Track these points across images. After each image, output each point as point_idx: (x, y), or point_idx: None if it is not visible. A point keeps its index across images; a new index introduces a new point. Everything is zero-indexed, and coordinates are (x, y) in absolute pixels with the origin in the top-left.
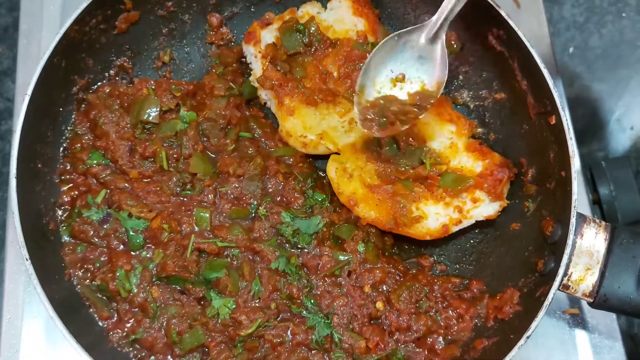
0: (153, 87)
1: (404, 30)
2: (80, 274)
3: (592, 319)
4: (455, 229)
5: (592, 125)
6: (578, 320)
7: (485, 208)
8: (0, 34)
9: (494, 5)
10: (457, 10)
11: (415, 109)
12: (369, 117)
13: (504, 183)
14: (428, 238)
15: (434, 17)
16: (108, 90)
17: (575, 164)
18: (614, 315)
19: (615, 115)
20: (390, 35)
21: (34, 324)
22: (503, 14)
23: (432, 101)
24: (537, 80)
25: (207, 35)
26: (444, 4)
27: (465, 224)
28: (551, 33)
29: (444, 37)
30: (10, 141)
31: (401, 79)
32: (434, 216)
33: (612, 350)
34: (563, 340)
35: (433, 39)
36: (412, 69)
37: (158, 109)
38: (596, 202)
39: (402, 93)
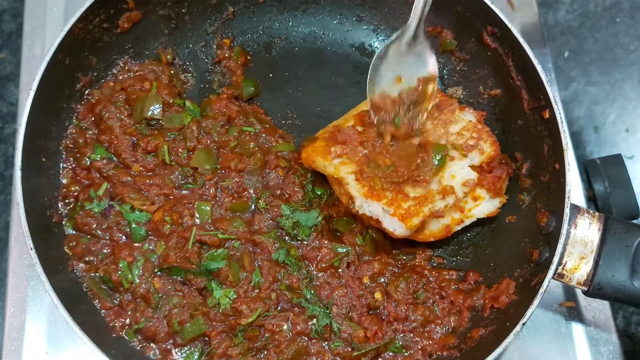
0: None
1: (388, 42)
2: (83, 265)
3: (588, 312)
4: (457, 228)
5: (587, 127)
6: (574, 313)
7: (486, 205)
8: (4, 39)
9: (488, 3)
10: (427, 10)
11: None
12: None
13: (503, 179)
14: (432, 240)
15: (410, 22)
16: (112, 85)
17: (569, 156)
18: (609, 309)
19: (610, 118)
20: (377, 52)
21: (37, 318)
22: (497, 11)
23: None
24: (531, 76)
25: (217, 56)
26: (415, 6)
27: (467, 222)
28: (546, 37)
29: (423, 35)
30: (13, 144)
31: (399, 79)
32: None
33: (608, 342)
34: (559, 332)
35: (414, 40)
36: (406, 71)
37: (161, 105)
38: (591, 199)
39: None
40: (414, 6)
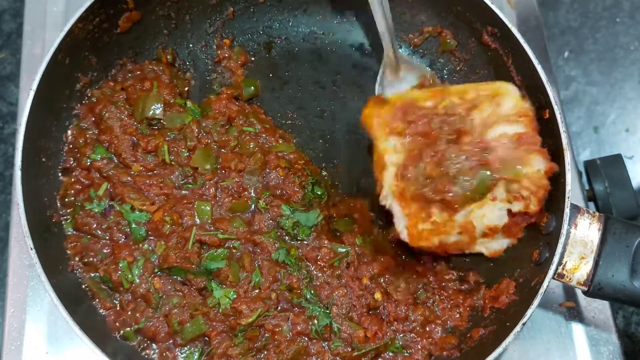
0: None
1: (379, 76)
2: (83, 265)
3: (588, 312)
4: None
5: (587, 127)
6: (574, 313)
7: (495, 244)
8: (4, 39)
9: (488, 3)
10: (391, 31)
11: None
12: None
13: (522, 227)
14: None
15: (386, 52)
16: (112, 85)
17: (569, 156)
18: (609, 309)
19: (610, 118)
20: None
21: (37, 318)
22: (497, 11)
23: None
24: (531, 76)
25: (217, 56)
26: (382, 36)
27: (466, 252)
28: (546, 37)
29: (397, 52)
30: (13, 144)
31: None
32: None
33: (608, 342)
34: (559, 332)
35: (397, 62)
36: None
37: (162, 105)
38: (591, 199)
39: None
40: (381, 37)
